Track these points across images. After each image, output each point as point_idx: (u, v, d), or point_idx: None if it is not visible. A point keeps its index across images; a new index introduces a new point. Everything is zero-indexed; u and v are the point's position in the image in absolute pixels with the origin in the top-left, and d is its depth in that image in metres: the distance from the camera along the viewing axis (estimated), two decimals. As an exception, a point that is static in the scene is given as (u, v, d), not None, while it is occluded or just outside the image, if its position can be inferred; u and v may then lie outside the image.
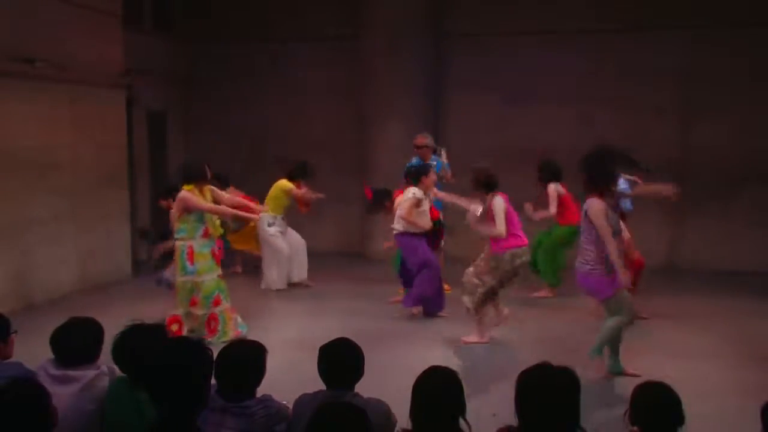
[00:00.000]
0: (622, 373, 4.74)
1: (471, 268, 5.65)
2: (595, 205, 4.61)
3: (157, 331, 2.91)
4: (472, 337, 5.62)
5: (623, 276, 4.63)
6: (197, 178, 5.57)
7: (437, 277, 6.34)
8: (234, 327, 5.65)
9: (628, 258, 6.06)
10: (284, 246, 7.44)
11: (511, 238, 5.42)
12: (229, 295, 5.73)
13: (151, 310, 6.04)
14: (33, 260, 6.79)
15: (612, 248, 4.55)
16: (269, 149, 9.47)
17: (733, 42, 8.27)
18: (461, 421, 2.46)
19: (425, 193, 6.31)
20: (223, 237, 6.26)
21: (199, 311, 5.54)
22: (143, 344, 2.72)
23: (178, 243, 5.53)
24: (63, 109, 7.14)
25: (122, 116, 8.09)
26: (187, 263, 5.47)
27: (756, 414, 2.46)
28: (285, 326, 6.12)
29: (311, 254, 7.88)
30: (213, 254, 5.61)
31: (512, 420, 2.40)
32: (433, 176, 6.42)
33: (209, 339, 5.31)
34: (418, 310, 6.43)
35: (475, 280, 5.56)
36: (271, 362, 2.84)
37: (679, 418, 2.49)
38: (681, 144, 8.68)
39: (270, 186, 7.62)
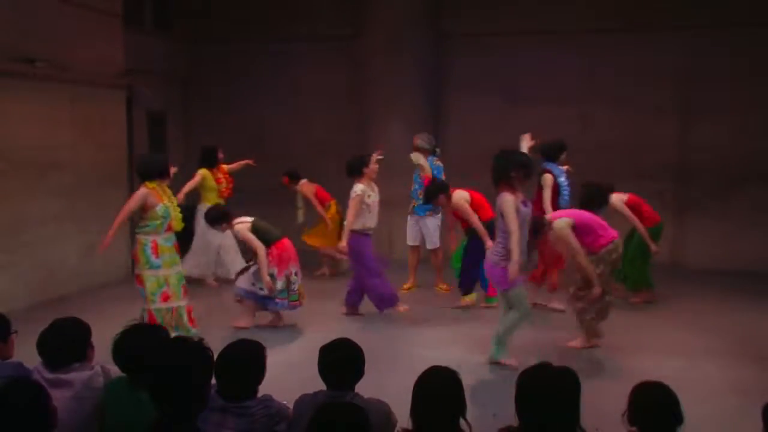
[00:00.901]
0: (499, 362, 5.02)
1: (571, 295, 5.50)
2: (505, 198, 4.78)
3: (157, 331, 2.91)
4: (578, 341, 5.49)
5: (512, 269, 4.75)
6: (158, 175, 5.55)
7: (378, 275, 6.23)
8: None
9: (550, 255, 6.35)
10: (212, 239, 7.45)
11: (600, 238, 5.33)
12: None
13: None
14: (32, 260, 6.79)
15: (515, 239, 4.71)
16: (269, 149, 9.47)
17: (733, 42, 8.26)
18: (461, 421, 2.46)
19: (370, 186, 6.18)
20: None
21: (174, 303, 5.52)
22: (143, 344, 2.71)
23: (141, 237, 5.50)
24: (63, 109, 7.14)
25: (122, 116, 8.08)
26: (152, 257, 5.46)
27: (756, 414, 2.46)
28: (285, 326, 6.11)
29: (311, 254, 7.89)
30: (175, 248, 5.64)
31: (512, 420, 2.40)
32: (374, 166, 6.24)
33: (195, 330, 5.36)
34: (404, 307, 6.34)
35: (579, 305, 5.42)
36: (271, 362, 2.84)
37: (677, 419, 2.49)
38: (681, 144, 8.68)
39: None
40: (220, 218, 6.04)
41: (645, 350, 5.39)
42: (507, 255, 4.80)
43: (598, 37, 8.61)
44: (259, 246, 5.79)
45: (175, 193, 6.07)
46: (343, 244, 6.20)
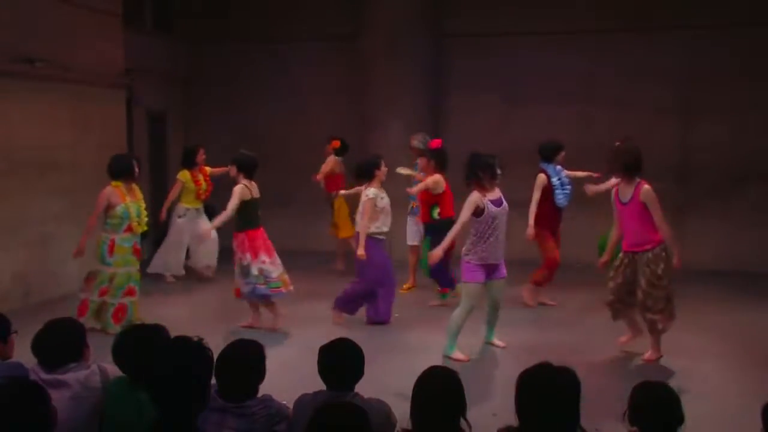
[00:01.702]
0: (450, 357, 5.19)
1: (641, 293, 5.10)
2: (470, 197, 5.16)
3: (157, 331, 2.91)
4: (651, 354, 5.23)
5: (435, 253, 5.29)
6: (123, 175, 5.85)
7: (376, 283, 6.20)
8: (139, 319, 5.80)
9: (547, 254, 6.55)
10: (184, 234, 7.74)
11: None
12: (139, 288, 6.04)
13: (152, 310, 6.07)
14: (32, 260, 6.79)
15: (453, 230, 5.23)
16: (269, 149, 9.45)
17: (733, 42, 8.26)
18: (461, 421, 2.46)
19: (381, 189, 6.11)
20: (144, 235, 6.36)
21: (109, 299, 5.82)
22: (143, 344, 2.71)
23: (102, 235, 5.85)
24: (63, 109, 7.14)
25: (122, 116, 8.08)
26: (107, 255, 5.80)
27: (756, 414, 2.46)
28: (285, 327, 6.11)
29: (311, 254, 7.89)
30: (134, 249, 5.92)
31: (512, 420, 2.40)
32: (384, 168, 6.16)
33: (115, 327, 5.60)
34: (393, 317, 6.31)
35: (655, 293, 5.06)
36: (271, 362, 2.84)
37: (678, 418, 2.49)
38: (681, 144, 8.68)
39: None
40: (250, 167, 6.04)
41: (644, 350, 5.37)
42: (468, 249, 5.20)
43: (598, 38, 8.62)
44: (231, 209, 5.82)
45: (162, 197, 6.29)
46: (361, 251, 6.01)
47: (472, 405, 2.62)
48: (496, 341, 5.58)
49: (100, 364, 2.89)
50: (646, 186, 5.07)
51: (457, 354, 5.25)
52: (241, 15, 9.72)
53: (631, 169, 5.09)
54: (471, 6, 9.02)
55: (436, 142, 6.91)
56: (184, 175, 7.78)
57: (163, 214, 7.75)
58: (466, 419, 2.47)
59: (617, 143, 5.80)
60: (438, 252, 5.28)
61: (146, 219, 6.04)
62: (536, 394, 2.33)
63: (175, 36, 9.80)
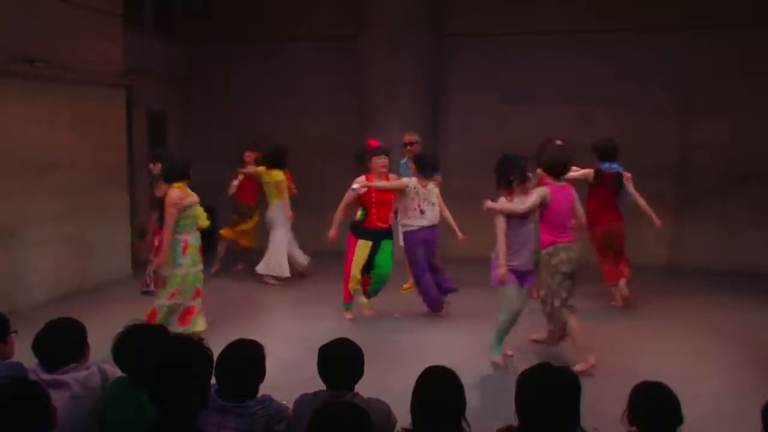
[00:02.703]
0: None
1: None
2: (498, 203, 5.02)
3: (157, 330, 2.90)
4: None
5: (500, 271, 4.93)
6: (186, 175, 5.54)
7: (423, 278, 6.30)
8: None
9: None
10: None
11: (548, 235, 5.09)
12: None
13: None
14: (32, 260, 6.78)
15: (501, 244, 4.93)
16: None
17: (733, 42, 8.26)
18: (461, 421, 2.45)
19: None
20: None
21: (180, 300, 5.50)
22: (143, 344, 2.71)
23: (174, 237, 5.44)
24: (62, 109, 7.13)
25: (122, 116, 8.08)
26: (180, 255, 5.44)
27: (756, 415, 2.46)
28: (284, 326, 6.11)
29: (313, 254, 7.90)
30: (200, 249, 5.65)
31: (512, 420, 2.40)
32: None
33: (177, 329, 5.39)
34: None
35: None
36: (271, 362, 2.83)
37: (678, 419, 2.49)
38: (681, 144, 8.68)
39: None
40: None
41: (645, 350, 5.38)
42: (497, 253, 4.99)
43: (597, 37, 8.61)
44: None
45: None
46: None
47: (472, 405, 2.62)
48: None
49: (100, 364, 2.88)
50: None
51: (496, 358, 5.16)
52: (241, 15, 9.71)
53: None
54: (470, 5, 9.02)
55: (373, 143, 6.87)
56: (279, 175, 7.60)
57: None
58: (465, 419, 2.46)
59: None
60: (501, 271, 4.91)
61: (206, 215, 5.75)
62: (536, 394, 2.32)
63: (175, 36, 9.80)
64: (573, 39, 8.62)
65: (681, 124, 8.65)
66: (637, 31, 8.60)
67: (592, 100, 8.65)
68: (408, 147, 7.17)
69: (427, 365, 2.61)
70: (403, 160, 7.24)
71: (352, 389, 2.80)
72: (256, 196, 8.08)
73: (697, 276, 8.03)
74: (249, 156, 7.96)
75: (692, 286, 7.61)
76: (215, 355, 2.63)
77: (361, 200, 6.28)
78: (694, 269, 8.31)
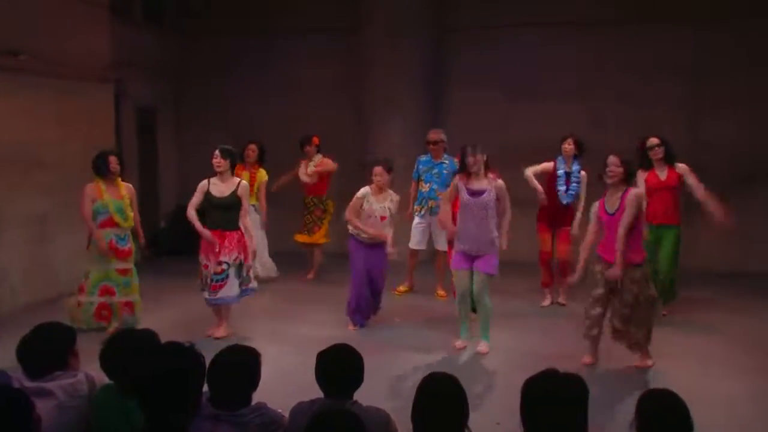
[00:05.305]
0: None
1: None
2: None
3: (145, 336, 2.82)
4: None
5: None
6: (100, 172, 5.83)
7: (356, 286, 6.02)
8: None
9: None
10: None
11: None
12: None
13: (146, 310, 5.96)
14: (18, 261, 6.64)
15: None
16: (265, 146, 9.32)
17: (744, 34, 8.09)
18: (464, 429, 2.39)
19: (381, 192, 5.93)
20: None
21: (85, 299, 5.78)
22: (131, 350, 2.64)
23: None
24: (48, 104, 6.97)
25: (110, 111, 7.93)
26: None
27: (767, 420, 2.39)
28: (281, 331, 5.99)
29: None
30: (110, 246, 5.80)
31: (516, 427, 2.33)
32: (379, 169, 5.90)
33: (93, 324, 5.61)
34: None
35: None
36: (266, 369, 2.76)
37: (687, 427, 2.42)
38: (690, 140, 8.36)
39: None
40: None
41: (654, 355, 5.10)
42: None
43: (603, 31, 8.47)
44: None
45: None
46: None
47: (474, 412, 2.55)
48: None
49: (88, 372, 2.81)
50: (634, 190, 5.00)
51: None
52: (236, 7, 9.56)
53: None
54: (472, -1, 8.89)
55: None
56: (265, 175, 7.58)
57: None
58: (468, 427, 2.41)
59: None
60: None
61: (130, 215, 5.84)
62: (543, 402, 2.27)
63: (165, 28, 9.64)
64: (576, 33, 8.44)
65: (690, 120, 8.38)
66: (644, 23, 8.32)
67: (598, 95, 8.50)
68: (433, 146, 6.95)
69: (427, 372, 2.55)
70: (425, 158, 7.04)
71: (351, 397, 2.74)
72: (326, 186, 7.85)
73: (707, 278, 7.71)
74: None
75: (702, 288, 7.27)
76: (207, 361, 2.54)
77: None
78: (704, 270, 7.87)
